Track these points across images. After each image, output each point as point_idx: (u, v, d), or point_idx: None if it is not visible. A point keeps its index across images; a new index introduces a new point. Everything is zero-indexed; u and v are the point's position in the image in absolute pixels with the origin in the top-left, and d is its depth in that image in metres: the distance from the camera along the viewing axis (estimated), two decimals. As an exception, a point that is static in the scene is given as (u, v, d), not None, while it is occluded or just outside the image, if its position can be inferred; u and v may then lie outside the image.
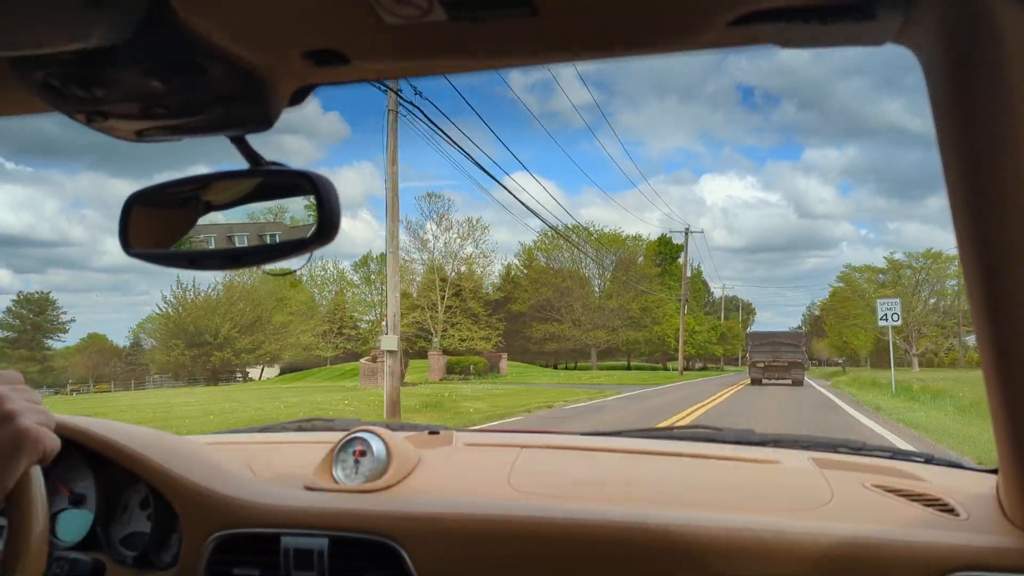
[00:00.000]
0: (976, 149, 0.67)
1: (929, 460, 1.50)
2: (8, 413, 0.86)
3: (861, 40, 0.55)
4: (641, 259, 70.78)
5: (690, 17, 0.49)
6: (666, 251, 75.30)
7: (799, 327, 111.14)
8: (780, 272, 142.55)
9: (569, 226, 54.55)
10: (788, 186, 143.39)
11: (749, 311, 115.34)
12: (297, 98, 0.61)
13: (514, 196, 38.47)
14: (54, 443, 0.89)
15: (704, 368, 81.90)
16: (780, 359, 33.02)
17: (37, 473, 0.93)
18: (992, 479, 1.21)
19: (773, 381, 32.80)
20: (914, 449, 1.63)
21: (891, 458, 1.53)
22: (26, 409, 0.87)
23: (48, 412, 0.91)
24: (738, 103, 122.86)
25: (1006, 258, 0.71)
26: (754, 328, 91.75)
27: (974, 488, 1.24)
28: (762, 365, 33.34)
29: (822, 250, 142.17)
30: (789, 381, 32.04)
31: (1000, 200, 0.68)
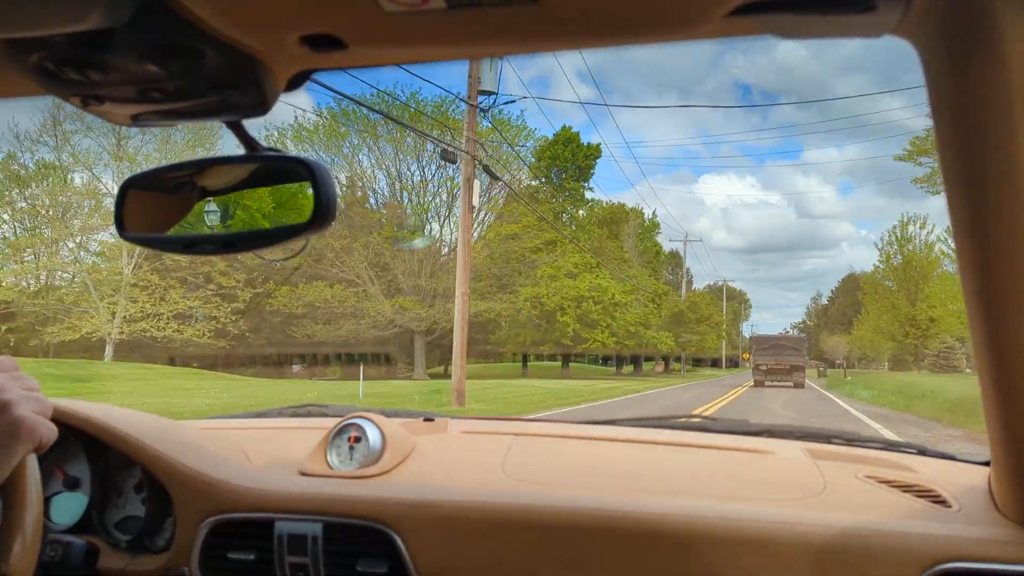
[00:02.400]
0: (974, 142, 0.67)
1: (922, 452, 1.51)
2: (3, 403, 0.85)
3: (860, 31, 0.55)
4: (527, 155, 39.32)
5: (689, 7, 0.49)
6: (569, 156, 41.77)
7: (803, 322, 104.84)
8: (780, 272, 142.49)
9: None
10: (788, 186, 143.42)
11: (741, 300, 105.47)
12: (294, 84, 0.61)
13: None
14: (51, 432, 0.89)
15: (667, 371, 61.45)
16: (782, 362, 34.98)
17: (32, 461, 0.93)
18: (984, 471, 1.22)
19: (775, 383, 34.61)
20: (907, 441, 1.63)
21: (884, 449, 1.53)
22: (22, 398, 0.87)
23: (45, 400, 0.90)
24: (737, 101, 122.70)
25: (1002, 252, 0.72)
26: (756, 330, 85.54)
27: (966, 480, 1.25)
28: (765, 368, 35.33)
29: (823, 250, 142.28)
30: (791, 383, 34.17)
31: (996, 193, 0.68)
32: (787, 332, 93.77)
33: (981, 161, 0.67)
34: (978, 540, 1.06)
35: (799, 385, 33.45)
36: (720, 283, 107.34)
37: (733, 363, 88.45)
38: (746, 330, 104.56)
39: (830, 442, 1.57)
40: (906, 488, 1.24)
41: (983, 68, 0.62)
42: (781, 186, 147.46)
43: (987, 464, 1.21)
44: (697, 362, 74.51)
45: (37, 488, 0.93)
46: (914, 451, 1.51)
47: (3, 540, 0.90)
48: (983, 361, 0.83)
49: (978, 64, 0.62)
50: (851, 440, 1.60)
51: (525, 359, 47.24)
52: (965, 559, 1.04)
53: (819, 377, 49.66)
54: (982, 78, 0.62)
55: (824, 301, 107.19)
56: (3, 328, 30.95)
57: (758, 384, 34.37)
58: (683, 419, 1.80)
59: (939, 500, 1.18)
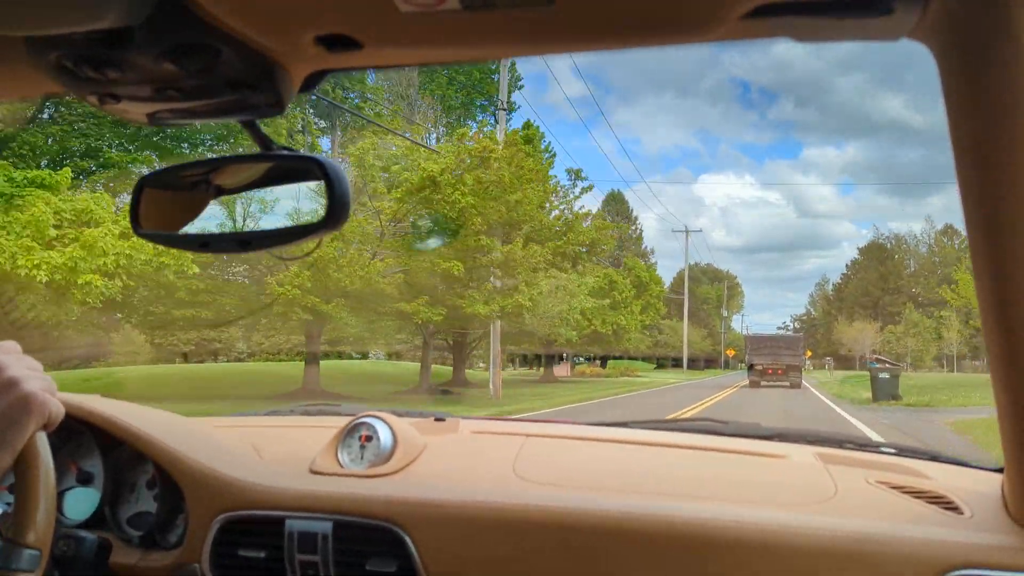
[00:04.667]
0: (990, 145, 0.66)
1: (934, 457, 1.50)
2: (11, 380, 0.88)
3: (876, 35, 0.55)
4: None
5: (704, 9, 0.49)
6: None
7: (806, 313, 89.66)
8: (780, 272, 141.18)
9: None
10: (787, 184, 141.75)
11: (730, 282, 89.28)
12: (309, 83, 0.61)
13: None
14: (58, 408, 0.92)
15: (577, 373, 39.69)
16: (779, 362, 33.91)
17: (43, 439, 0.95)
18: (997, 478, 1.21)
19: (772, 384, 33.45)
20: (920, 446, 1.62)
21: (896, 455, 1.53)
22: (28, 375, 0.89)
23: (49, 379, 0.93)
24: (735, 99, 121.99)
25: (1017, 255, 0.71)
26: (749, 327, 75.87)
27: (979, 486, 1.24)
28: (760, 368, 34.10)
29: (823, 250, 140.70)
30: (787, 384, 32.86)
31: (1013, 197, 0.68)
32: (787, 325, 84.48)
33: (997, 164, 0.67)
34: (990, 547, 1.05)
35: (795, 385, 32.45)
36: (703, 264, 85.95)
37: (713, 362, 73.08)
38: (736, 323, 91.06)
39: (842, 447, 1.56)
40: (918, 494, 1.23)
41: (1000, 70, 0.61)
42: (781, 185, 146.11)
43: (1000, 471, 1.20)
44: (659, 362, 59.00)
45: (48, 464, 0.95)
46: (926, 457, 1.50)
47: (22, 515, 0.92)
48: (996, 365, 0.83)
49: (995, 66, 0.61)
50: (863, 445, 1.59)
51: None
52: (977, 566, 1.04)
53: (883, 400, 19.40)
54: (999, 80, 0.62)
55: (833, 286, 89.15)
56: None
57: (753, 385, 33.61)
58: (695, 422, 1.80)
59: (951, 506, 1.17)
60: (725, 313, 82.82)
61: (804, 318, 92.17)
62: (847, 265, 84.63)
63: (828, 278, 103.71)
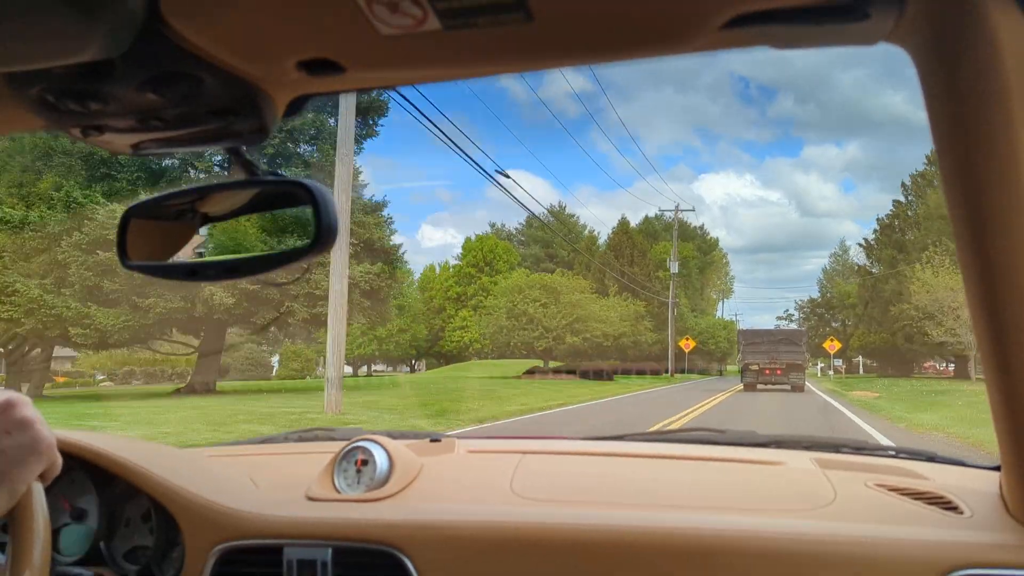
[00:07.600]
0: (971, 147, 0.67)
1: (932, 458, 1.50)
2: (25, 419, 0.87)
3: (854, 40, 0.55)
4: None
5: (682, 21, 0.49)
6: None
7: (820, 296, 65.25)
8: (782, 273, 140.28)
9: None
10: (788, 183, 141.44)
11: (701, 241, 70.72)
12: (293, 108, 0.61)
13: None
14: (59, 460, 0.91)
15: None
16: (777, 360, 29.56)
17: (39, 488, 0.93)
18: (995, 476, 1.21)
19: (769, 387, 29.54)
20: (917, 448, 1.63)
21: (894, 457, 1.53)
22: (41, 418, 0.89)
23: (51, 430, 0.92)
24: (735, 95, 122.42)
25: (1004, 256, 0.72)
26: (741, 323, 63.47)
27: (977, 485, 1.24)
28: (756, 368, 29.83)
29: (826, 250, 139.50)
30: (788, 386, 28.92)
31: (996, 198, 0.69)
32: (790, 315, 70.69)
33: (979, 163, 0.68)
34: (991, 546, 1.05)
35: (797, 388, 28.28)
36: (668, 213, 57.13)
37: (657, 364, 45.48)
38: (720, 310, 77.53)
39: (839, 451, 1.56)
40: (917, 496, 1.23)
41: (977, 71, 0.62)
42: (781, 184, 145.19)
43: (998, 469, 1.20)
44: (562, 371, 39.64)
45: (45, 517, 0.93)
46: (924, 458, 1.51)
47: (15, 567, 0.90)
48: (989, 363, 0.83)
49: (972, 67, 0.62)
50: (860, 448, 1.59)
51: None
52: (979, 566, 1.04)
53: None
54: (976, 81, 0.63)
55: (880, 222, 51.79)
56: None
57: (749, 388, 29.32)
58: (692, 432, 1.80)
59: (951, 507, 1.18)
60: (674, 269, 50.43)
61: (814, 303, 64.10)
62: (904, 185, 49.68)
63: (848, 245, 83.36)
